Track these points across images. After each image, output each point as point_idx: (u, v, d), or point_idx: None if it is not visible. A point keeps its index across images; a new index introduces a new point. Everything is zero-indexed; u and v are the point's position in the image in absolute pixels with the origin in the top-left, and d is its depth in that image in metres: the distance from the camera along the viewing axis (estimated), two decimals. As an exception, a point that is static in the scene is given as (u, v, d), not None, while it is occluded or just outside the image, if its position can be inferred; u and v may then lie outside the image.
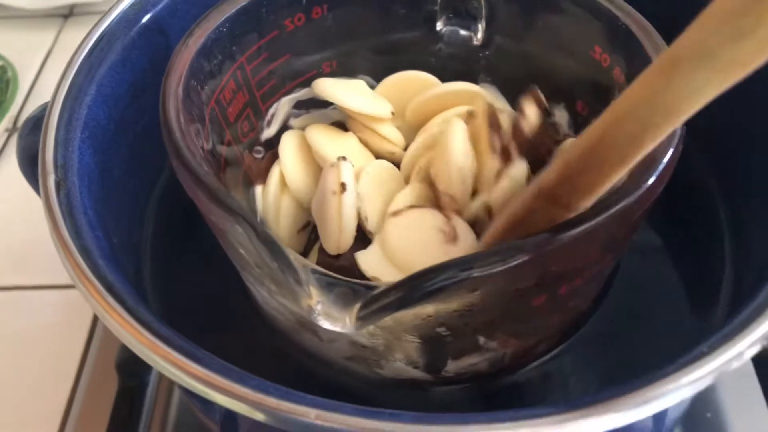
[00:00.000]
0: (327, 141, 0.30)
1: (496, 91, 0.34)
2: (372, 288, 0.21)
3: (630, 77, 0.27)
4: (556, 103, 0.32)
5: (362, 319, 0.20)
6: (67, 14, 0.66)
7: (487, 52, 0.34)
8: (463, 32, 0.34)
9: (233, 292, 0.30)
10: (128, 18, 0.31)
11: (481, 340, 0.25)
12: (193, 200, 0.23)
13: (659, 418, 0.24)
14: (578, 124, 0.31)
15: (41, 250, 0.50)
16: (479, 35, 0.33)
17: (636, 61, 0.26)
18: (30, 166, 0.30)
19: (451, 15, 0.33)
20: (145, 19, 0.31)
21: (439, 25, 0.34)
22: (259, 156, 0.32)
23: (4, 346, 0.46)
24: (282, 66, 0.31)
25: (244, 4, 0.28)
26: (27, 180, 0.32)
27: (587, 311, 0.29)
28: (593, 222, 0.21)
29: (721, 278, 0.29)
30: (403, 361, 0.26)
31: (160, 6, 0.31)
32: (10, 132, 0.57)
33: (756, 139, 0.31)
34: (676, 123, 0.18)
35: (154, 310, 0.29)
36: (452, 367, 0.26)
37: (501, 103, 0.34)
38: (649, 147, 0.19)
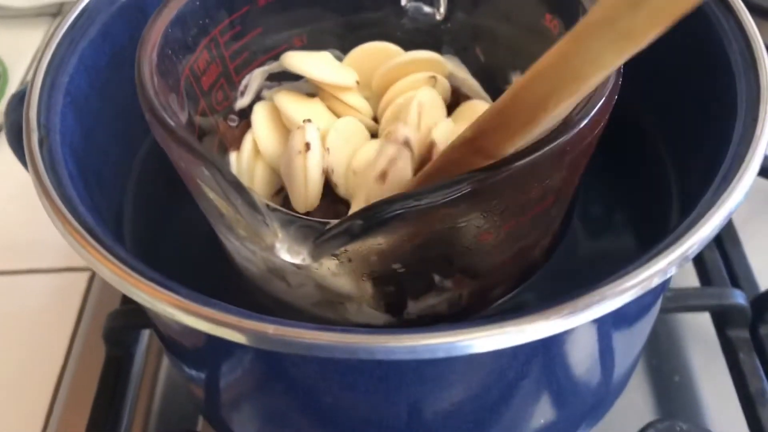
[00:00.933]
0: (295, 105, 0.32)
1: (458, 61, 0.36)
2: (325, 224, 0.23)
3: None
4: (513, 71, 0.34)
5: (318, 249, 0.22)
6: (56, 13, 0.68)
7: (449, 25, 0.36)
8: (426, 9, 0.36)
9: (209, 250, 0.32)
10: (108, -7, 0.33)
11: (437, 278, 0.27)
12: (166, 151, 0.25)
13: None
14: None
15: (30, 235, 0.52)
16: (441, 10, 0.36)
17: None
18: (17, 140, 0.32)
19: None
20: (124, -3, 0.33)
21: (403, 1, 0.36)
22: (234, 124, 0.34)
23: (-3, 327, 0.48)
24: (254, 40, 0.33)
25: None
26: (15, 155, 0.34)
27: (539, 258, 0.30)
28: (528, 158, 0.23)
29: (669, 213, 0.31)
30: (367, 303, 0.28)
31: (139, -16, 0.33)
32: (1, 128, 0.58)
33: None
34: (581, 87, 0.19)
35: (128, 248, 0.31)
36: (413, 308, 0.28)
37: (463, 72, 0.36)
38: (555, 110, 0.20)
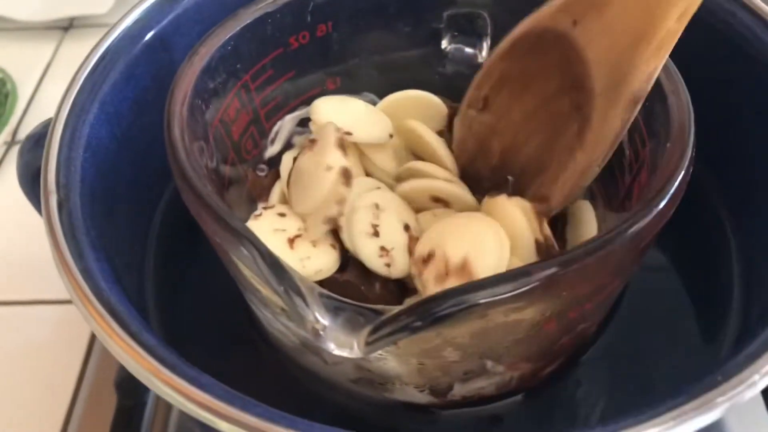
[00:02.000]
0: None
1: None
2: (380, 313, 0.20)
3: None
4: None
5: (371, 345, 0.20)
6: (66, 27, 0.66)
7: None
8: (468, 50, 0.34)
9: (237, 313, 0.30)
10: (132, 35, 0.30)
11: (489, 364, 0.24)
12: (198, 222, 0.23)
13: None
14: None
15: (38, 265, 0.50)
16: (484, 53, 0.33)
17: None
18: (31, 184, 0.30)
19: (456, 33, 0.33)
20: (148, 36, 0.31)
21: (444, 43, 0.34)
22: (263, 174, 0.32)
23: (0, 362, 0.45)
24: (286, 83, 0.31)
25: (249, 21, 0.28)
26: (28, 198, 0.32)
27: (595, 333, 0.28)
28: (605, 248, 0.20)
29: (730, 300, 0.29)
30: (409, 385, 0.26)
31: (164, 23, 0.31)
32: (9, 145, 0.56)
33: (758, 159, 0.31)
34: None
35: (156, 330, 0.29)
36: (459, 390, 0.26)
37: None
38: None
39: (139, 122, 0.30)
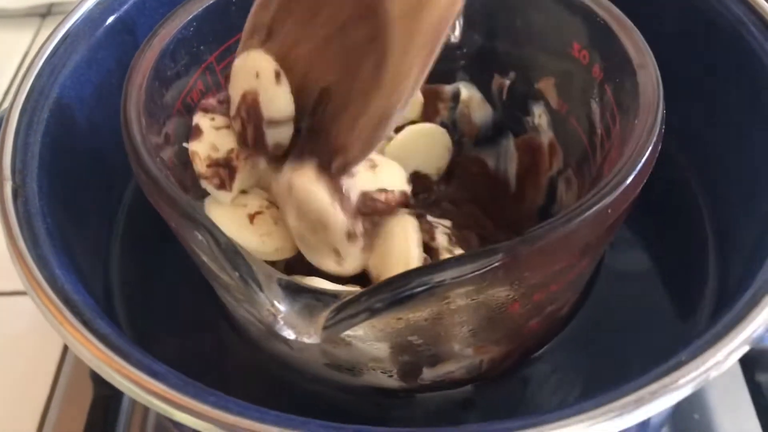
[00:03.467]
0: None
1: (474, 89, 0.33)
2: (339, 296, 0.20)
3: (609, 74, 0.26)
4: (535, 101, 0.31)
5: (328, 329, 0.20)
6: (45, 13, 0.65)
7: (464, 50, 0.33)
8: None
9: (205, 300, 0.29)
10: (93, 17, 0.30)
11: (456, 347, 0.24)
12: (155, 207, 0.22)
13: (643, 423, 0.23)
14: (556, 122, 0.30)
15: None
16: (456, 33, 0.33)
17: (614, 58, 0.26)
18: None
19: None
20: (111, 19, 0.30)
21: None
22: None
23: (-20, 353, 0.45)
24: None
25: (212, 1, 0.27)
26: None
27: (566, 316, 0.28)
28: (568, 226, 0.20)
29: (706, 279, 0.29)
30: (377, 370, 0.25)
31: (128, 5, 0.30)
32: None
33: (731, 134, 0.31)
34: None
35: (122, 318, 0.28)
36: (428, 375, 0.26)
37: (478, 100, 0.33)
38: None
39: (102, 106, 0.29)
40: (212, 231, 0.20)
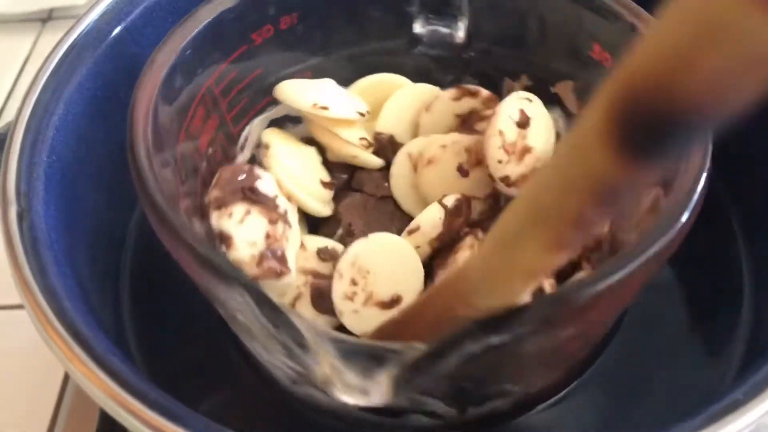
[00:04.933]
0: (284, 160, 0.28)
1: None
2: (401, 353, 0.18)
3: None
4: (550, 105, 0.30)
5: (403, 388, 0.18)
6: (45, 18, 0.63)
7: (471, 53, 0.31)
8: (443, 30, 0.31)
9: (224, 338, 0.27)
10: (98, 29, 0.28)
11: (507, 386, 0.23)
12: (178, 262, 0.21)
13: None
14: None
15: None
16: (461, 33, 0.31)
17: None
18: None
19: (429, 15, 0.31)
20: (117, 30, 0.29)
21: (416, 27, 0.31)
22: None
23: (-18, 369, 0.44)
24: (253, 83, 0.29)
25: (208, 21, 0.25)
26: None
27: (601, 345, 0.26)
28: (627, 269, 0.18)
29: (739, 315, 0.27)
30: (419, 413, 0.24)
31: (133, 15, 0.29)
32: None
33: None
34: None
35: (132, 351, 0.27)
36: (473, 413, 0.24)
37: None
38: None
39: (109, 122, 0.28)
40: (251, 288, 0.18)
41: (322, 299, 0.26)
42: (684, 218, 0.19)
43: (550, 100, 0.30)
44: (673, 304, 0.29)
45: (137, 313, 0.28)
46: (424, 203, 0.28)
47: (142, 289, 0.29)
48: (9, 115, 0.56)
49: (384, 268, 0.25)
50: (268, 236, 0.24)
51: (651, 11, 0.25)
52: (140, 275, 0.29)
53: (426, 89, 0.31)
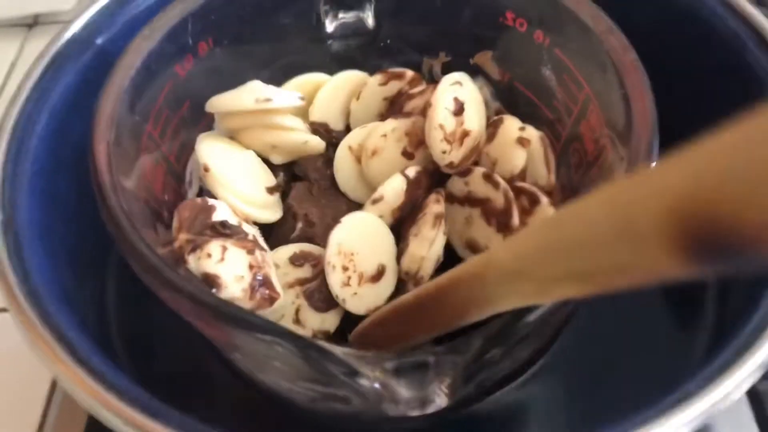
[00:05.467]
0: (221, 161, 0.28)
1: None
2: (440, 355, 0.19)
3: (555, 37, 0.27)
4: (472, 76, 0.31)
5: (461, 389, 0.20)
6: (31, 24, 0.64)
7: (386, 39, 0.32)
8: (352, 20, 0.32)
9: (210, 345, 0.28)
10: (82, 40, 0.29)
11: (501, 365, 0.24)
12: (192, 321, 0.21)
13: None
14: (501, 92, 0.30)
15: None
16: (370, 20, 0.32)
17: (558, 21, 0.26)
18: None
19: (337, 10, 0.31)
20: (99, 41, 0.29)
21: (327, 25, 0.32)
22: None
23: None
24: (185, 116, 0.29)
25: (137, 66, 0.26)
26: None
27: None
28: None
29: (703, 300, 0.28)
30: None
31: (116, 27, 0.30)
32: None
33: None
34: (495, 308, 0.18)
35: (119, 354, 0.27)
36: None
37: None
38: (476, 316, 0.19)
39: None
40: (295, 341, 0.19)
41: (320, 299, 0.27)
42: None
43: (472, 72, 0.31)
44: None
45: (123, 317, 0.29)
46: (373, 191, 0.28)
47: (128, 293, 0.30)
48: (-4, 119, 0.57)
49: (364, 245, 0.26)
50: (251, 267, 0.24)
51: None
52: (125, 280, 0.30)
53: (353, 75, 0.32)
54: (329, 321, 0.26)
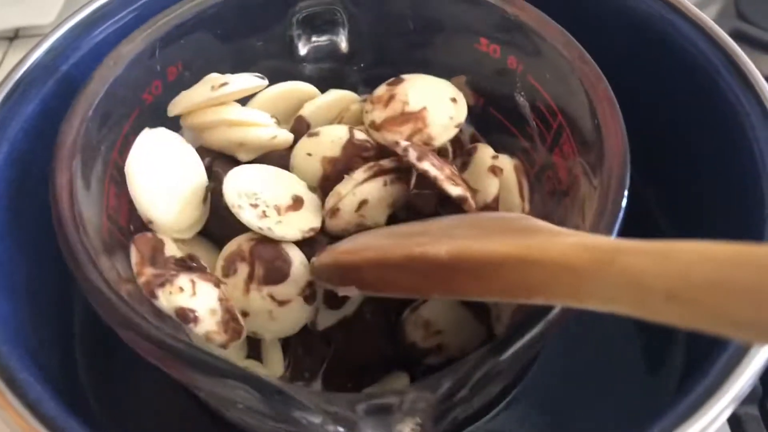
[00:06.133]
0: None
1: None
2: (402, 393, 0.19)
3: (528, 64, 0.27)
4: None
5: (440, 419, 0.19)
6: (12, 37, 0.63)
7: (359, 63, 0.32)
8: (326, 45, 0.31)
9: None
10: (45, 65, 0.28)
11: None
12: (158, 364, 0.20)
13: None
14: (475, 116, 0.30)
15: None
16: (344, 44, 0.31)
17: (529, 48, 0.26)
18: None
19: (310, 33, 0.31)
20: (64, 67, 0.29)
21: (300, 48, 0.31)
22: None
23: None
24: None
25: (100, 95, 0.25)
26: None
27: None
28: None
29: (673, 339, 0.28)
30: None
31: (81, 52, 0.29)
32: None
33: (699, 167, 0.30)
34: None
35: (89, 393, 0.26)
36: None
37: None
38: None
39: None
40: (261, 385, 0.19)
41: (275, 273, 0.25)
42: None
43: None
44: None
45: (88, 355, 0.28)
46: None
47: (93, 331, 0.29)
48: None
49: (265, 186, 0.26)
50: (220, 300, 0.24)
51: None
52: (90, 319, 0.29)
53: (344, 95, 0.31)
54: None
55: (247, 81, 0.28)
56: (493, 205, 0.28)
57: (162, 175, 0.26)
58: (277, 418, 0.20)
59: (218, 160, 0.28)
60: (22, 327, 0.23)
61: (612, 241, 0.19)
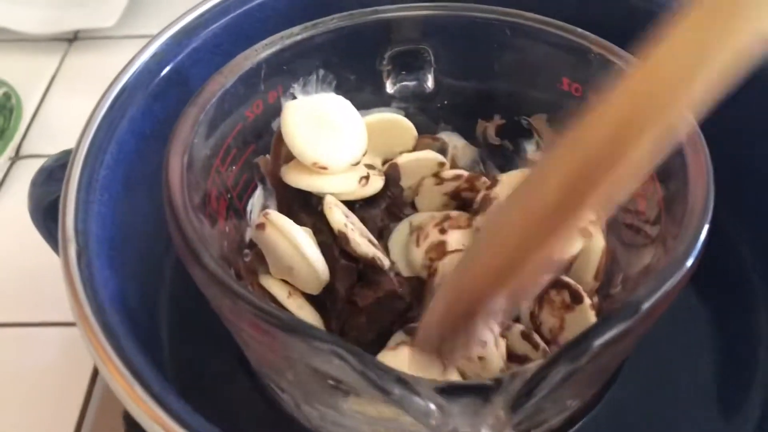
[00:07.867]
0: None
1: (457, 137, 0.33)
2: (496, 382, 0.19)
3: None
4: (526, 139, 0.31)
5: (521, 414, 0.19)
6: (71, 39, 0.65)
7: (443, 101, 0.33)
8: (413, 83, 0.32)
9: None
10: (149, 69, 0.29)
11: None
12: (254, 335, 0.21)
13: None
14: None
15: (43, 286, 0.49)
16: (429, 83, 0.32)
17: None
18: (43, 217, 0.29)
19: (400, 71, 0.32)
20: (166, 71, 0.30)
21: (388, 86, 0.32)
22: (247, 259, 0.29)
23: (4, 386, 0.45)
24: (250, 158, 0.30)
25: (208, 110, 0.26)
26: (39, 231, 0.31)
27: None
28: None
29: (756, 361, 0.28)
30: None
31: (181, 56, 0.30)
32: (14, 160, 0.55)
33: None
34: None
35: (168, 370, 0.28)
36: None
37: (462, 147, 0.33)
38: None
39: (159, 159, 0.29)
40: (352, 353, 0.19)
41: None
42: (689, 262, 0.20)
43: (524, 135, 0.31)
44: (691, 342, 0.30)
45: (173, 325, 0.29)
46: None
47: (180, 322, 0.30)
48: (36, 131, 0.57)
49: None
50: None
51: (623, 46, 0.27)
52: (177, 290, 0.30)
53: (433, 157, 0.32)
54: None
55: (345, 184, 0.29)
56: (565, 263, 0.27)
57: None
58: (368, 392, 0.20)
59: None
60: (128, 310, 0.24)
61: None
